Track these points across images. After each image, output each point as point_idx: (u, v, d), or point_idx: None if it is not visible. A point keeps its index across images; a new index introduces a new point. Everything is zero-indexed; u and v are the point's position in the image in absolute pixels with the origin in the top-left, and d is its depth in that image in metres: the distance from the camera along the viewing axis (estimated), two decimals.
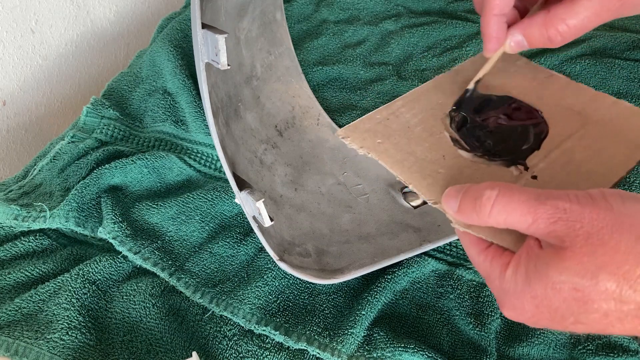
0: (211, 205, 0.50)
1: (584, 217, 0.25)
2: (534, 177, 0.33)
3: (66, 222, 0.46)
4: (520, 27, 0.35)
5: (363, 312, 0.42)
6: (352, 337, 0.41)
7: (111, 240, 0.46)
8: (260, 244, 0.47)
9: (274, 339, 0.42)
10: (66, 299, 0.42)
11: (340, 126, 0.58)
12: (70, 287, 0.43)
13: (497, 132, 0.37)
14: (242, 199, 0.43)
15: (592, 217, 0.25)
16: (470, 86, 0.38)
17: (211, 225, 0.49)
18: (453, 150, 0.35)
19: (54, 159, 0.53)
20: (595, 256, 0.24)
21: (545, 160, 0.34)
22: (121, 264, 0.46)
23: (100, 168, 0.50)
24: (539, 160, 0.34)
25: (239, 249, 0.48)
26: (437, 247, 0.47)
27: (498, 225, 0.28)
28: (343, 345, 0.41)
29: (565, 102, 0.37)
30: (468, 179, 0.33)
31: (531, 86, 0.39)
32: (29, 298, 0.43)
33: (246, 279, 0.45)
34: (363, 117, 0.38)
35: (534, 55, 0.65)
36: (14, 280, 0.44)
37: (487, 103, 0.38)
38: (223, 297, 0.44)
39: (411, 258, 0.46)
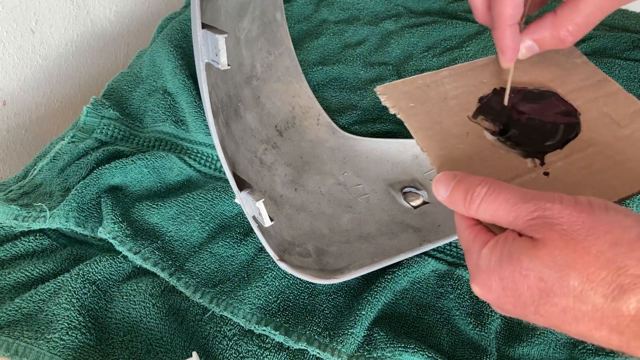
0: (211, 205, 0.50)
1: (563, 216, 0.26)
2: (546, 174, 0.33)
3: (66, 222, 0.46)
4: (530, 33, 0.36)
5: (363, 312, 0.42)
6: (352, 337, 0.41)
7: (111, 240, 0.46)
8: (260, 244, 0.47)
9: (274, 339, 0.42)
10: (66, 299, 0.42)
11: (340, 126, 0.58)
12: (70, 287, 0.43)
13: (527, 124, 0.37)
14: (242, 199, 0.43)
15: (572, 218, 0.26)
16: (506, 102, 0.38)
17: (211, 225, 0.49)
18: (479, 130, 0.36)
19: (54, 159, 0.53)
20: (566, 252, 0.25)
21: (564, 160, 0.34)
22: (121, 264, 0.46)
23: (100, 168, 0.50)
24: (559, 159, 0.34)
25: (239, 249, 0.48)
26: (437, 247, 0.47)
27: (484, 220, 0.29)
28: (343, 345, 0.41)
29: (608, 109, 0.37)
30: (483, 160, 0.34)
31: (579, 87, 0.39)
32: (29, 298, 0.43)
33: (246, 279, 0.45)
34: (405, 79, 0.38)
35: None
36: (14, 280, 0.44)
37: (530, 95, 0.38)
38: (223, 297, 0.44)
39: (411, 258, 0.46)
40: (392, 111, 0.36)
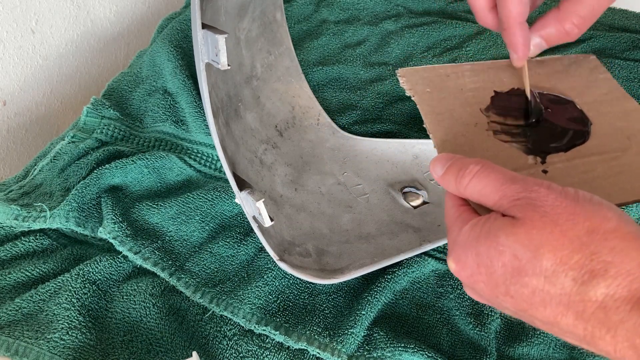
0: (211, 205, 0.50)
1: (548, 199, 0.26)
2: (545, 172, 0.34)
3: (66, 222, 0.47)
4: (536, 30, 0.37)
5: (363, 312, 0.42)
6: (352, 337, 0.41)
7: (111, 240, 0.46)
8: (260, 244, 0.47)
9: (274, 339, 0.42)
10: (66, 298, 0.42)
11: (340, 126, 0.58)
12: (70, 287, 0.43)
13: (537, 125, 0.37)
14: (242, 199, 0.43)
15: (556, 202, 0.26)
16: (529, 97, 0.38)
17: (211, 225, 0.49)
18: (487, 123, 0.37)
19: (54, 159, 0.53)
20: (543, 233, 0.25)
21: (565, 162, 0.35)
22: (121, 264, 0.46)
23: (100, 168, 0.50)
24: (560, 160, 0.35)
25: (239, 249, 0.48)
26: (437, 247, 0.47)
27: (472, 198, 0.30)
28: (343, 345, 0.41)
29: (621, 124, 0.38)
30: (485, 150, 0.35)
31: (597, 100, 0.39)
32: (29, 298, 0.43)
33: (246, 279, 0.45)
34: (427, 66, 0.39)
35: None
36: (14, 280, 0.44)
37: (546, 99, 0.39)
38: (223, 297, 0.44)
39: (411, 258, 0.46)
40: (408, 93, 0.37)
